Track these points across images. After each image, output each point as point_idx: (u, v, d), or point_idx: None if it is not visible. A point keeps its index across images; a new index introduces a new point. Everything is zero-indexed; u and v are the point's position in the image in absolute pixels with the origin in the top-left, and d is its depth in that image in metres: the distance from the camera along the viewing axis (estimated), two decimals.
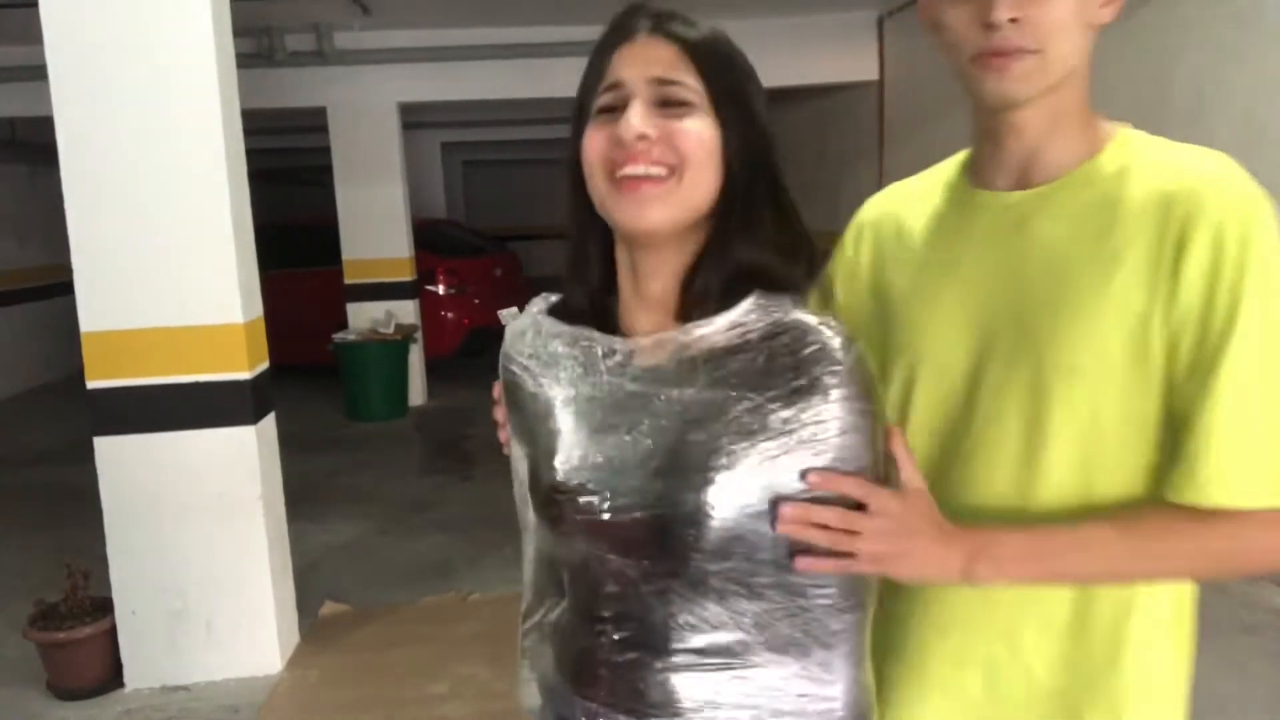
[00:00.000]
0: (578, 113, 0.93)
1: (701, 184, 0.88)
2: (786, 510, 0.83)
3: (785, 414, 0.84)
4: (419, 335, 7.34)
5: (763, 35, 6.77)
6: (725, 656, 0.87)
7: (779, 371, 0.85)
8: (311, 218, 9.40)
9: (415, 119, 9.93)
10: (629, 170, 0.87)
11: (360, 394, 6.98)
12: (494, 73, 6.74)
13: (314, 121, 7.26)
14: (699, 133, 0.87)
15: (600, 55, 0.91)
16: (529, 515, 1.02)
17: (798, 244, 0.92)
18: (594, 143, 0.90)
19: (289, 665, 3.26)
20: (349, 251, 7.29)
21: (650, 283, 0.93)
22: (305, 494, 4.52)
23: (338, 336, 7.02)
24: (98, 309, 3.01)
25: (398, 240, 7.30)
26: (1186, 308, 0.88)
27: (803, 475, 0.84)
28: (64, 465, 5.84)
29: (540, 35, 6.45)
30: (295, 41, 6.52)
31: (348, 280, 7.34)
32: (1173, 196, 0.91)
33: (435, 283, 7.88)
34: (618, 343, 0.93)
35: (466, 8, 6.10)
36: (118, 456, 3.08)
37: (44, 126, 3.09)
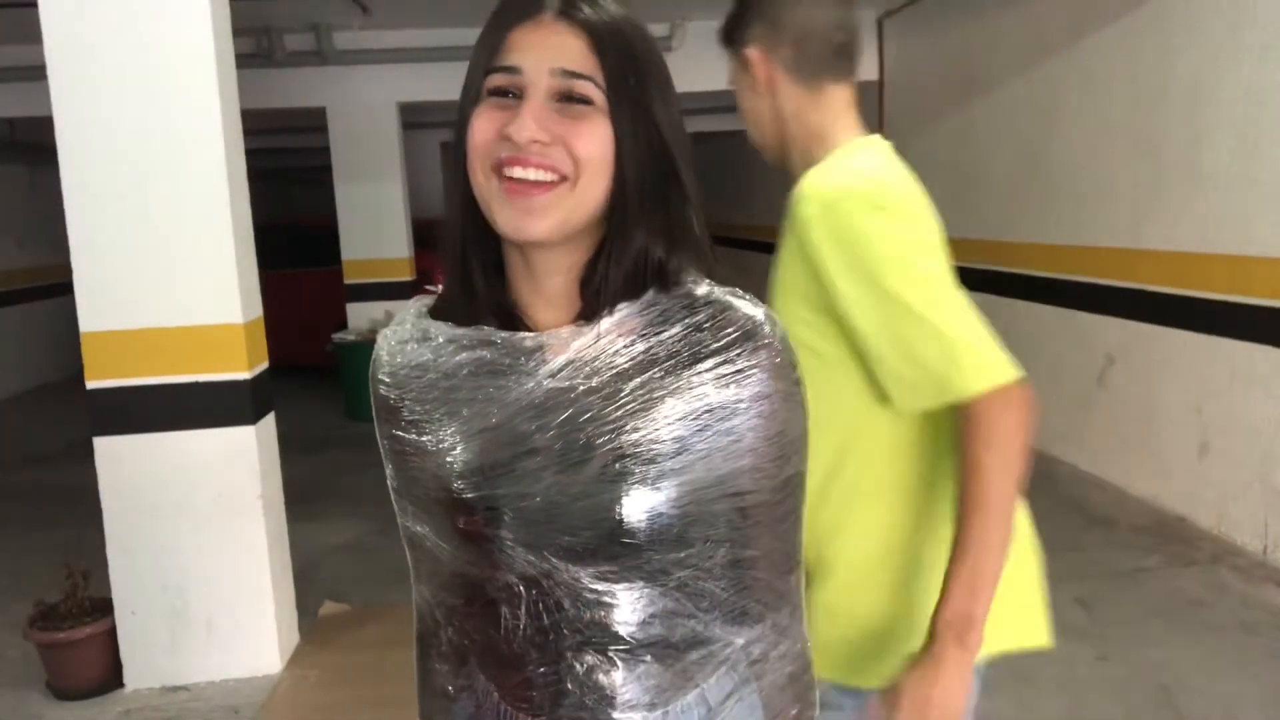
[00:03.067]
0: (467, 87, 0.85)
1: (595, 190, 0.83)
2: None
3: (718, 397, 0.82)
4: None
5: None
6: (692, 641, 0.87)
7: (705, 353, 0.83)
8: (311, 218, 9.41)
9: (415, 119, 9.92)
10: (517, 173, 0.81)
11: (360, 394, 6.95)
12: None
13: (314, 121, 7.26)
14: (597, 137, 0.81)
15: (498, 26, 0.84)
16: (416, 530, 0.95)
17: (693, 241, 0.88)
18: (480, 129, 0.83)
19: (289, 665, 3.26)
20: (349, 251, 7.30)
21: (547, 280, 0.88)
22: (305, 494, 4.51)
23: (337, 336, 7.02)
24: (98, 309, 3.01)
25: (398, 240, 7.30)
26: (825, 280, 1.22)
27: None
28: (64, 465, 5.84)
29: None
30: (295, 41, 6.52)
31: (347, 280, 7.34)
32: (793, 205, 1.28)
33: (435, 283, 7.84)
34: (528, 339, 0.86)
35: (466, 8, 6.09)
36: (118, 456, 3.08)
37: (44, 126, 3.09)
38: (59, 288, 5.64)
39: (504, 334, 0.87)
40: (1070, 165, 5.02)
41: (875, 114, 7.25)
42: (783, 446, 0.86)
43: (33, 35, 2.95)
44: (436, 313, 0.93)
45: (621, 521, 0.82)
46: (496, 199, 0.83)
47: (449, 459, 0.87)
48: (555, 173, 0.81)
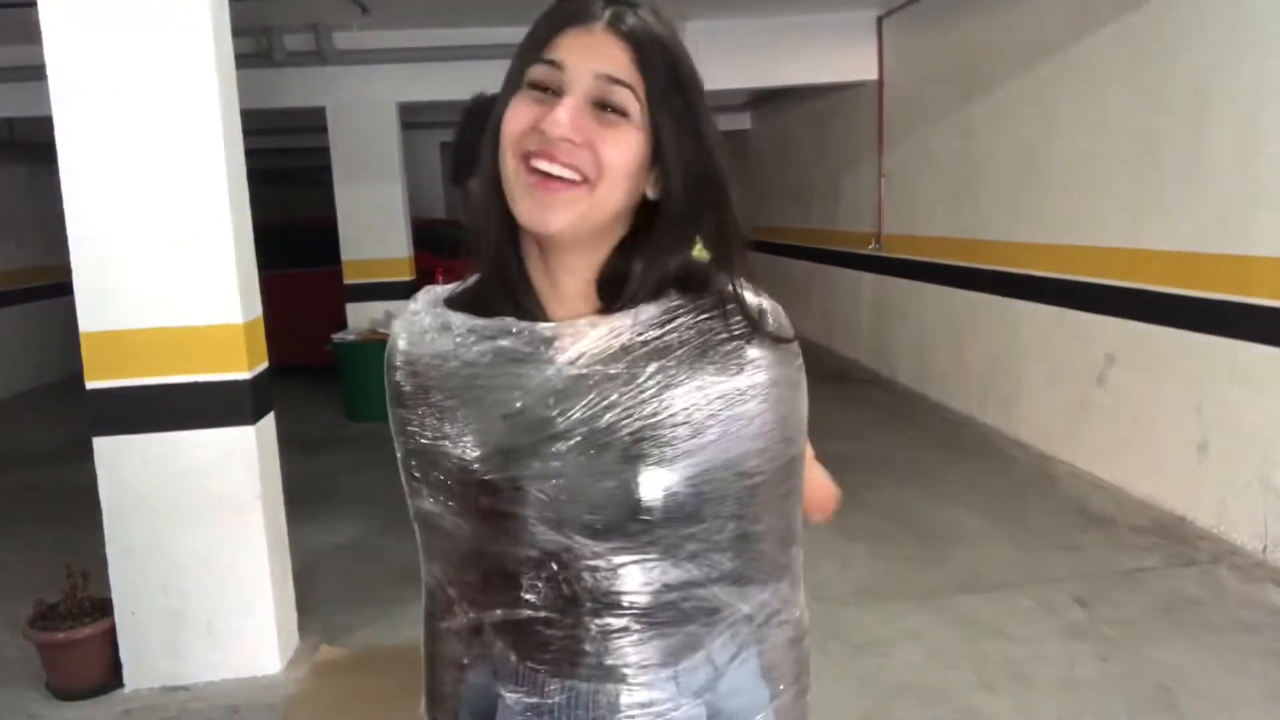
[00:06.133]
0: (508, 76, 0.89)
1: (615, 197, 0.86)
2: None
3: (730, 384, 0.88)
4: None
5: (763, 35, 6.77)
6: (704, 609, 0.92)
7: (716, 340, 0.88)
8: (311, 218, 9.41)
9: (415, 119, 9.92)
10: (542, 166, 0.84)
11: (360, 394, 6.98)
12: (494, 73, 6.60)
13: (314, 121, 7.27)
14: (626, 148, 0.85)
15: (549, 24, 0.87)
16: (431, 511, 0.98)
17: (729, 252, 0.92)
18: (517, 117, 0.86)
19: (289, 704, 3.18)
20: (348, 252, 7.30)
21: (562, 276, 0.92)
22: (305, 494, 4.51)
23: (337, 336, 7.02)
24: (97, 309, 3.01)
25: (397, 240, 7.30)
26: None
27: None
28: (64, 465, 5.84)
29: None
30: (294, 41, 6.52)
31: (347, 280, 7.34)
32: None
33: (434, 283, 7.85)
34: (547, 328, 0.90)
35: (466, 8, 6.10)
36: (117, 456, 3.08)
37: (43, 126, 3.09)
38: (59, 288, 5.64)
39: (524, 324, 0.91)
40: (1070, 165, 5.01)
41: (875, 114, 7.25)
42: (787, 429, 0.92)
43: (33, 35, 2.95)
44: (453, 304, 0.98)
45: (639, 500, 0.87)
46: (520, 188, 0.86)
47: (473, 442, 0.92)
48: (578, 173, 0.84)
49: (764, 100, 9.96)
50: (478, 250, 0.95)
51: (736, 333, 0.89)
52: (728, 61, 6.69)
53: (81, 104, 2.91)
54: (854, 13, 6.90)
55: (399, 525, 5.21)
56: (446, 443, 0.94)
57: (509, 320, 0.91)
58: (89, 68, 2.90)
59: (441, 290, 1.01)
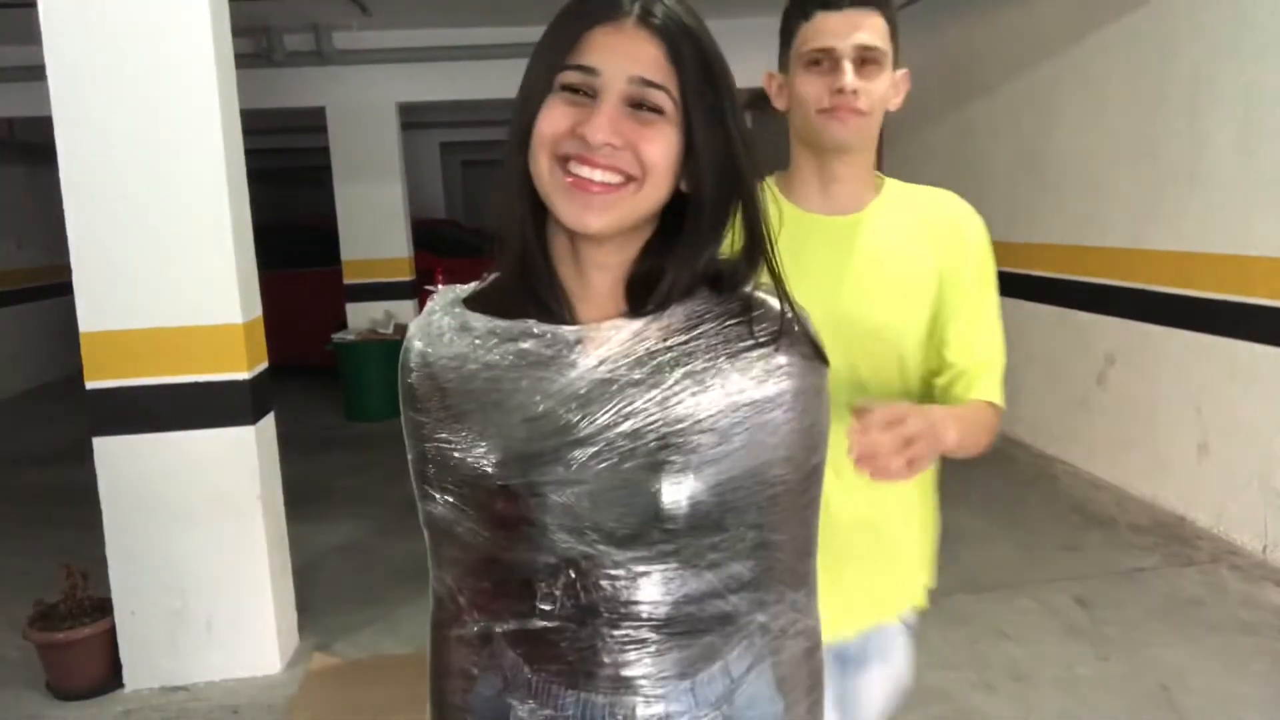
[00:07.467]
0: (535, 74, 0.88)
1: (657, 194, 0.87)
2: (858, 454, 1.09)
3: (757, 391, 0.88)
4: None
5: (762, 35, 6.76)
6: (721, 619, 0.92)
7: (743, 348, 0.88)
8: (311, 218, 9.41)
9: (415, 119, 9.92)
10: (584, 172, 0.84)
11: (359, 394, 6.98)
12: (494, 73, 6.74)
13: (313, 121, 7.27)
14: (666, 145, 0.85)
15: (577, 23, 0.86)
16: (444, 516, 0.96)
17: (756, 251, 0.91)
18: (552, 120, 0.85)
19: (290, 708, 3.21)
20: (348, 251, 7.30)
21: (593, 274, 0.91)
22: (305, 494, 4.51)
23: (336, 337, 7.02)
24: (97, 309, 3.01)
25: (397, 240, 7.30)
26: (956, 282, 1.46)
27: (855, 412, 1.11)
28: (64, 465, 5.84)
29: (539, 35, 6.46)
30: (294, 41, 6.52)
31: (347, 280, 7.34)
32: (944, 217, 1.51)
33: (434, 283, 7.87)
34: (570, 331, 0.89)
35: (466, 8, 6.10)
36: (117, 456, 3.08)
37: (43, 126, 3.09)
38: (59, 288, 5.64)
39: (546, 326, 0.90)
40: (1070, 165, 5.02)
41: None
42: (813, 437, 0.92)
43: (33, 35, 2.95)
44: (472, 304, 0.96)
45: (663, 508, 0.86)
46: (559, 191, 0.86)
47: (491, 447, 0.90)
48: (622, 175, 0.85)
49: (765, 100, 9.94)
50: (500, 250, 0.93)
51: (763, 339, 0.88)
52: (728, 61, 6.69)
53: (82, 104, 2.91)
54: None
55: (399, 525, 5.21)
56: (463, 447, 0.92)
57: (531, 322, 0.90)
58: (89, 68, 2.90)
59: (460, 291, 0.99)
